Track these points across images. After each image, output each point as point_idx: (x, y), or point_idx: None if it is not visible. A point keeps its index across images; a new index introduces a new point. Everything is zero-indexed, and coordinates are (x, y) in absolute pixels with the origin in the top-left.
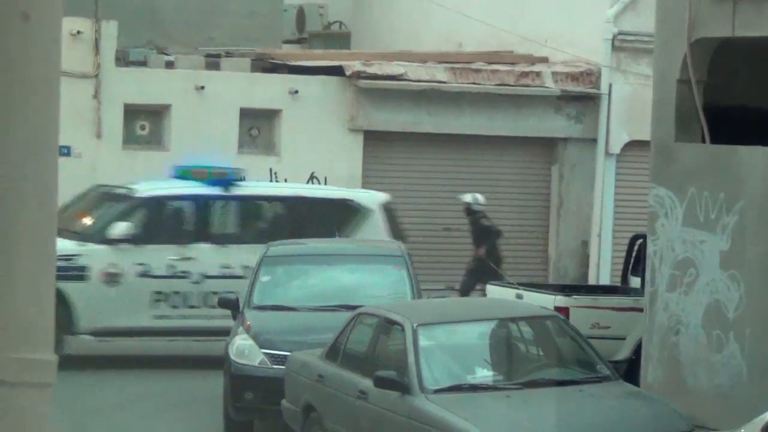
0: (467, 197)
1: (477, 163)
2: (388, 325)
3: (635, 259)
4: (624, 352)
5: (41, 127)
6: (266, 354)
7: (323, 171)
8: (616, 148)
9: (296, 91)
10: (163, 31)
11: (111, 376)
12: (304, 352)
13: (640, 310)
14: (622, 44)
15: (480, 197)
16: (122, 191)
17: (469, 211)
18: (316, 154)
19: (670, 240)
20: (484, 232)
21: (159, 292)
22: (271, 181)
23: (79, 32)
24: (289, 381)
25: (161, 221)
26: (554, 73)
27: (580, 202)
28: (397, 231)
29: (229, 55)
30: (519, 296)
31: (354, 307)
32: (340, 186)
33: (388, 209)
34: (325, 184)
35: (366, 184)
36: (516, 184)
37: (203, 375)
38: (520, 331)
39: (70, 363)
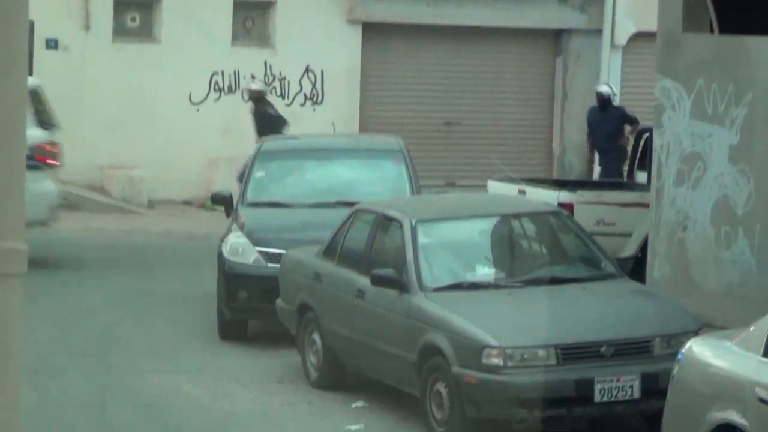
0: (255, 84)
1: (478, 55)
2: (386, 222)
3: (641, 154)
4: (630, 249)
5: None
6: (261, 252)
7: (320, 64)
8: (622, 39)
9: None
10: None
11: (99, 275)
12: (299, 250)
13: (647, 205)
14: None
15: (262, 85)
16: None
17: (260, 99)
18: (313, 47)
19: (677, 133)
20: (268, 122)
21: None
22: (265, 74)
23: None
24: (284, 280)
25: None
26: None
27: (585, 96)
28: None
29: None
30: (521, 192)
31: (351, 204)
32: (337, 80)
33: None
34: (322, 77)
35: (365, 77)
36: (519, 77)
37: (196, 273)
38: (522, 228)
39: (58, 263)
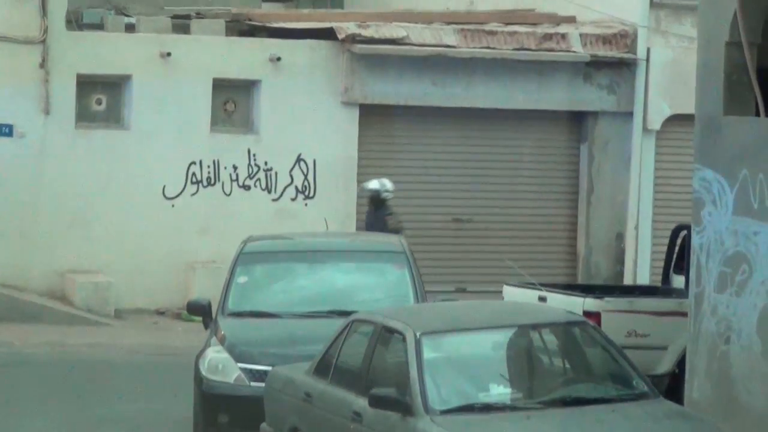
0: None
1: (492, 142)
2: (386, 334)
3: (678, 255)
4: (665, 365)
5: None
6: (243, 369)
7: (311, 153)
8: (655, 123)
9: (279, 58)
10: None
11: (57, 399)
12: (288, 367)
13: (684, 314)
14: (662, 1)
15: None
16: None
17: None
18: (303, 133)
19: (719, 231)
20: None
21: None
22: (249, 164)
23: None
24: (271, 401)
25: None
26: (583, 35)
27: (614, 188)
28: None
29: (200, 16)
30: (542, 299)
31: (347, 313)
32: (332, 171)
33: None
34: (314, 167)
35: (362, 167)
36: (538, 167)
37: (169, 394)
38: (542, 341)
39: (5, 385)
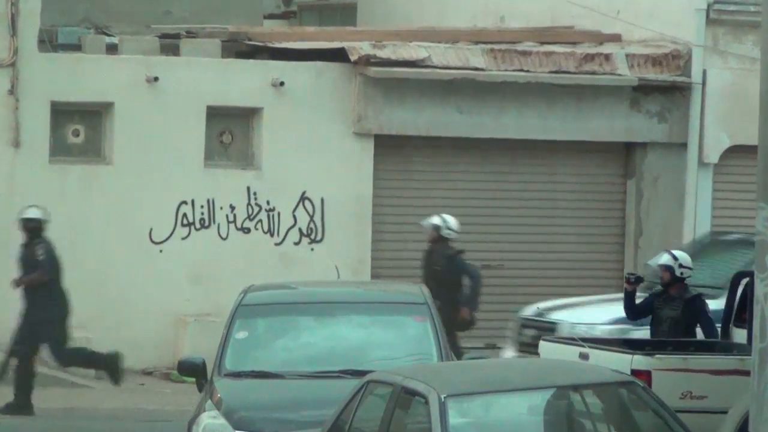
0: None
1: (526, 177)
2: (407, 397)
3: (739, 305)
4: (726, 430)
5: None
6: None
7: (319, 190)
8: (713, 155)
9: (282, 83)
10: (103, 4)
11: None
12: None
13: (747, 373)
14: (719, 16)
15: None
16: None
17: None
18: (310, 168)
19: None
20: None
21: None
22: (248, 204)
23: None
24: None
25: None
26: (629, 56)
27: (666, 228)
28: None
29: (191, 35)
30: (584, 356)
31: (361, 373)
32: (343, 211)
33: None
34: (322, 206)
35: (378, 207)
36: (579, 206)
37: None
38: (584, 403)
39: None
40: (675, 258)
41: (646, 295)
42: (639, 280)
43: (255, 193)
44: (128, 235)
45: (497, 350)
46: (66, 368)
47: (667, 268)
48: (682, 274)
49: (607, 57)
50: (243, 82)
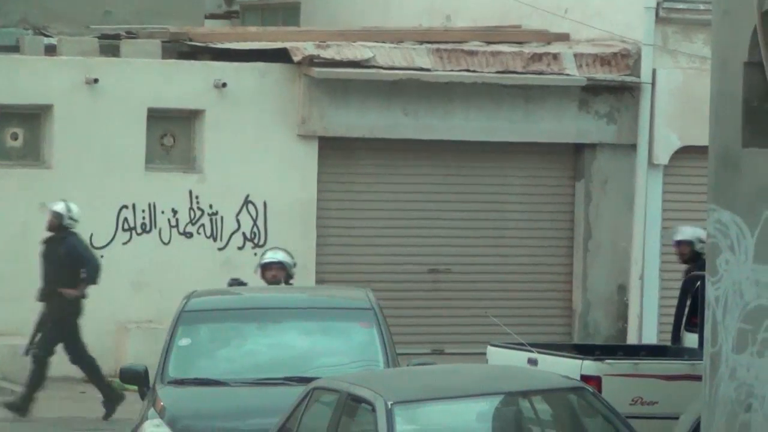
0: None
1: (474, 180)
2: (353, 404)
3: (690, 310)
4: None
5: None
6: None
7: (263, 194)
8: (662, 157)
9: (224, 84)
10: (41, 4)
11: None
12: None
13: (699, 378)
14: (669, 15)
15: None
16: None
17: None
18: (253, 171)
19: (738, 282)
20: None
21: None
22: (191, 208)
23: None
24: None
25: None
26: (578, 56)
27: (615, 232)
28: None
29: (131, 35)
30: (532, 361)
31: (306, 380)
32: (286, 214)
33: None
34: (265, 210)
35: (322, 210)
36: (527, 208)
37: None
38: (533, 410)
39: None
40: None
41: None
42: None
43: (197, 197)
44: None
45: (444, 356)
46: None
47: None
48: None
49: (555, 56)
50: (184, 84)
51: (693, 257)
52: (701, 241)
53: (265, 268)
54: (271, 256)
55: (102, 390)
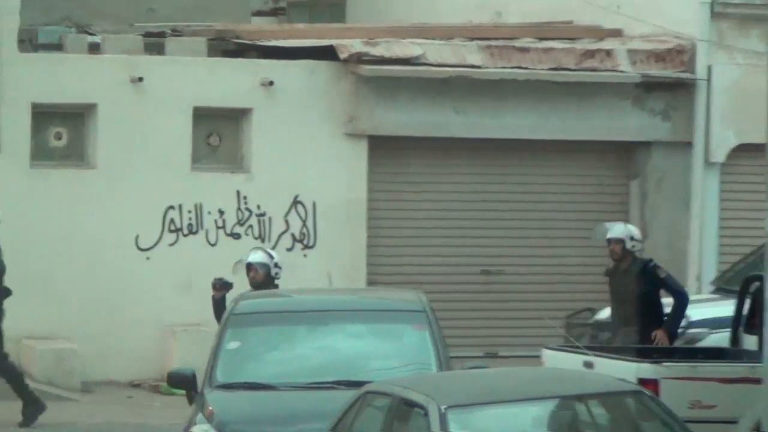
0: (619, 230)
1: (526, 179)
2: (406, 408)
3: (750, 311)
4: None
5: None
6: None
7: (311, 194)
8: (719, 154)
9: (271, 83)
10: (84, 2)
11: None
12: None
13: (758, 381)
14: (724, 10)
15: (636, 232)
16: None
17: (624, 255)
18: (301, 171)
19: None
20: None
21: None
22: (238, 208)
23: None
24: None
25: None
26: (631, 52)
27: (672, 231)
28: None
29: (176, 33)
30: (588, 365)
31: (357, 384)
32: (336, 215)
33: None
34: (314, 210)
35: (373, 211)
36: (581, 208)
37: None
38: (590, 414)
39: None
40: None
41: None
42: (226, 285)
43: (245, 197)
44: (114, 242)
45: (497, 359)
46: None
47: (619, 241)
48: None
49: (608, 53)
50: (231, 82)
51: (624, 255)
52: (633, 239)
53: (247, 268)
54: (250, 258)
55: (24, 398)
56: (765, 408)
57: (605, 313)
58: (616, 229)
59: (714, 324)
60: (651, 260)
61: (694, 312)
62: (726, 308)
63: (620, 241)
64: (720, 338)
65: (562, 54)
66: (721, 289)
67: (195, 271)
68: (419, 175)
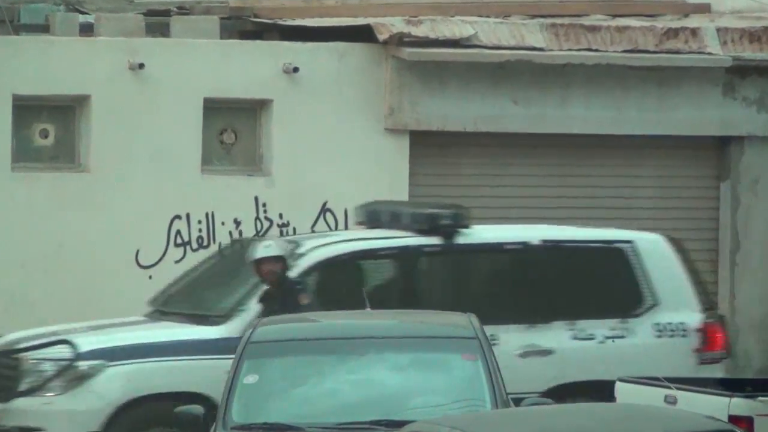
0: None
1: (596, 180)
2: None
3: None
4: None
5: None
6: None
7: (343, 200)
8: None
9: (296, 69)
10: None
11: None
12: None
13: None
14: None
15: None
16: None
17: None
18: (331, 173)
19: None
20: None
21: None
22: (257, 218)
23: None
24: None
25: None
26: (721, 30)
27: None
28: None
29: (184, 11)
30: (671, 399)
31: (398, 424)
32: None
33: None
34: (346, 220)
35: None
36: (662, 214)
37: None
38: None
39: None
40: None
41: None
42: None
43: (264, 205)
44: (110, 258)
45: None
46: None
47: (279, 259)
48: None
49: (694, 32)
50: (248, 69)
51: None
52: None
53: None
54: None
55: None
56: None
57: None
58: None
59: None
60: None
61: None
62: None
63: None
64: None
65: (639, 33)
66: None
67: None
68: (471, 177)
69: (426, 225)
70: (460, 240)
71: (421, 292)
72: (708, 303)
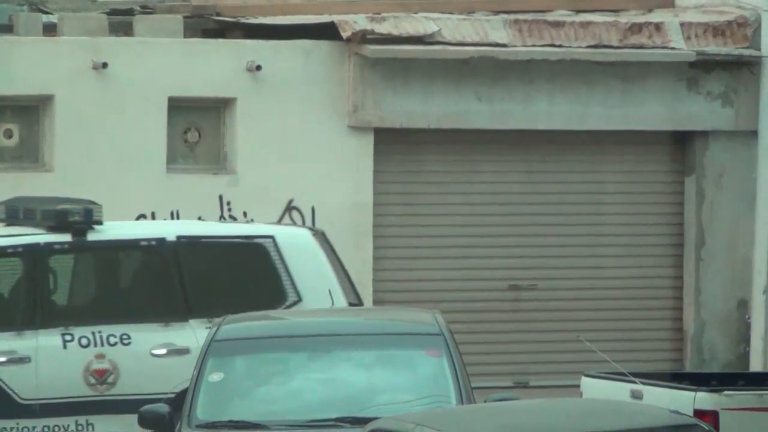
0: None
1: (561, 176)
2: None
3: None
4: None
5: None
6: None
7: (308, 198)
8: None
9: (259, 67)
10: None
11: None
12: None
13: None
14: None
15: None
16: None
17: None
18: (296, 171)
19: None
20: None
21: None
22: (222, 216)
23: None
24: None
25: None
26: (685, 25)
27: (734, 237)
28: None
29: (147, 10)
30: (636, 395)
31: (363, 421)
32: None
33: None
34: (313, 216)
35: (379, 216)
36: (627, 210)
37: None
38: None
39: None
40: None
41: None
42: None
43: (229, 203)
44: None
45: (528, 389)
46: None
47: None
48: None
49: (658, 27)
50: (211, 67)
51: None
52: None
53: None
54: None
55: None
56: None
57: None
58: None
59: None
60: None
61: None
62: None
63: None
64: None
65: (603, 29)
66: None
67: None
68: (436, 174)
69: (55, 222)
70: (92, 237)
71: (51, 291)
72: (357, 299)
